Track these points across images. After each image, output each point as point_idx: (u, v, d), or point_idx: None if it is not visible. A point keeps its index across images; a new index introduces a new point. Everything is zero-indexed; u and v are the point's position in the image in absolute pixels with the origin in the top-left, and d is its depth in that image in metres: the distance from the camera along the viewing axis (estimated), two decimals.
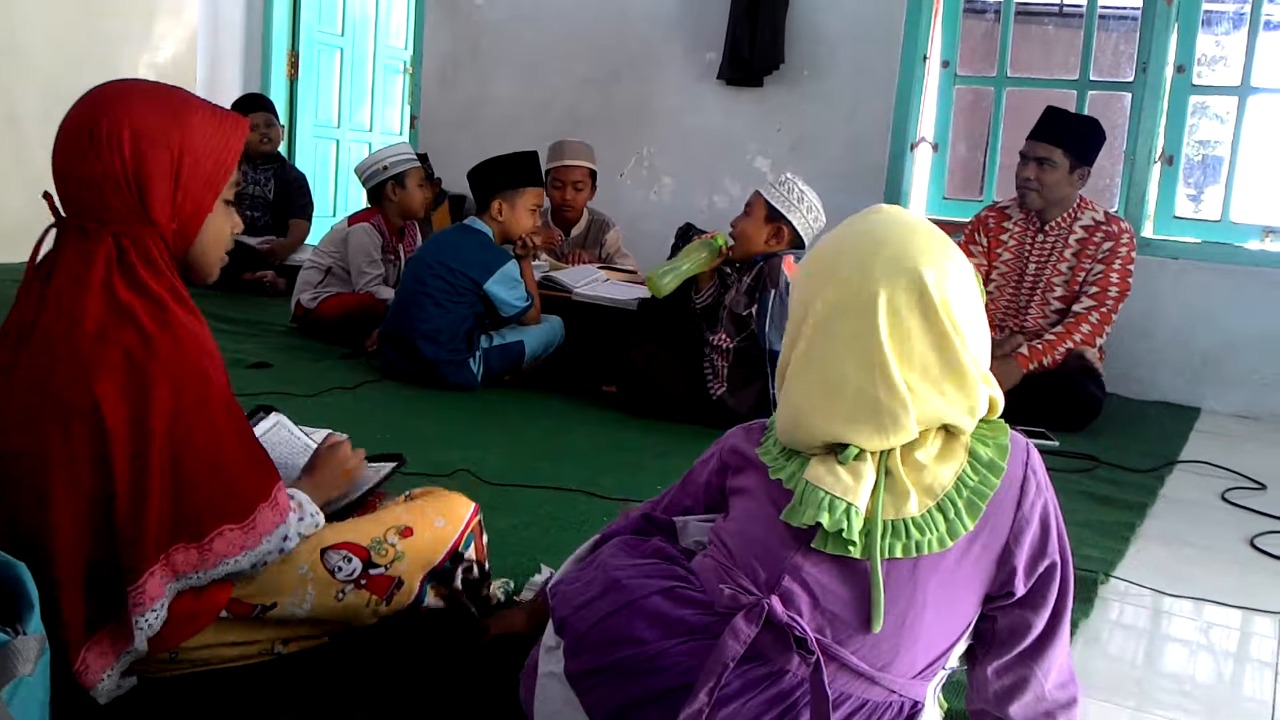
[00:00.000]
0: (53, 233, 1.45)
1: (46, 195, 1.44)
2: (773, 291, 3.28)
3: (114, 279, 1.38)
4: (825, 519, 1.18)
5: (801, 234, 3.35)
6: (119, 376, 1.34)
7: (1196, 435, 3.96)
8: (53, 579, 1.33)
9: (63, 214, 1.43)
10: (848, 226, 1.29)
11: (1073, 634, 2.00)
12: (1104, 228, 3.95)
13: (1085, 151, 3.91)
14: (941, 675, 1.28)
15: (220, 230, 1.52)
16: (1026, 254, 4.06)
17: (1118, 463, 3.35)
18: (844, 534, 1.18)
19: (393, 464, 1.96)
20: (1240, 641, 2.18)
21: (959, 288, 1.22)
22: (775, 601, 1.20)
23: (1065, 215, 3.99)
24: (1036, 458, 1.28)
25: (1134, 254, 3.96)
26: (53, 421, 1.33)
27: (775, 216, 3.34)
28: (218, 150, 1.46)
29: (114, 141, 1.39)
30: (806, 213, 3.34)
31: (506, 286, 3.74)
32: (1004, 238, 4.11)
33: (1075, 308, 3.95)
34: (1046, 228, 4.02)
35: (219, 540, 1.41)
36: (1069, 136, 3.89)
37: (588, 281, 4.16)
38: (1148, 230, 4.66)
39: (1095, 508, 2.86)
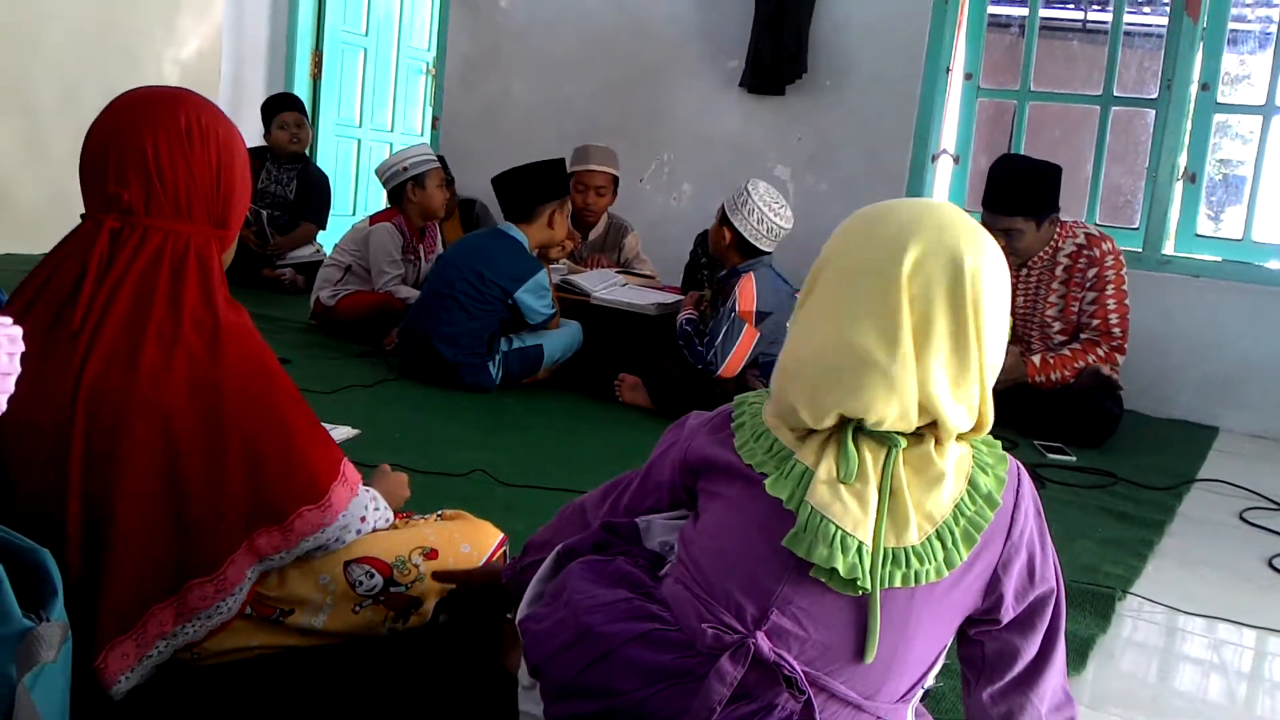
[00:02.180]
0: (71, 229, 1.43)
1: (117, 195, 1.39)
2: (722, 309, 3.49)
3: (181, 284, 1.39)
4: (840, 563, 1.13)
5: (746, 237, 3.48)
6: (187, 382, 1.36)
7: (1215, 454, 3.94)
8: (101, 575, 1.35)
9: (122, 213, 1.40)
10: (898, 200, 1.24)
11: (1089, 650, 2.00)
12: (1086, 252, 3.87)
13: (1046, 203, 3.82)
14: (919, 695, 1.27)
15: (234, 242, 1.56)
16: (1014, 289, 4.01)
17: (1135, 480, 3.34)
18: (859, 581, 1.14)
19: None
20: (1255, 661, 2.17)
21: (992, 288, 1.16)
22: (762, 639, 1.16)
23: (1046, 250, 3.92)
24: (1027, 484, 1.25)
25: (1124, 272, 3.89)
26: (121, 431, 1.34)
27: (725, 220, 3.53)
28: (248, 171, 1.51)
29: (208, 137, 1.41)
30: (749, 215, 3.46)
31: (536, 295, 3.73)
32: None
33: (1082, 336, 3.92)
34: (1029, 263, 3.95)
35: (299, 521, 1.46)
36: (1025, 200, 3.79)
37: (606, 286, 4.16)
38: (1168, 248, 4.64)
39: (1113, 524, 2.85)
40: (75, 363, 1.35)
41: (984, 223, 3.87)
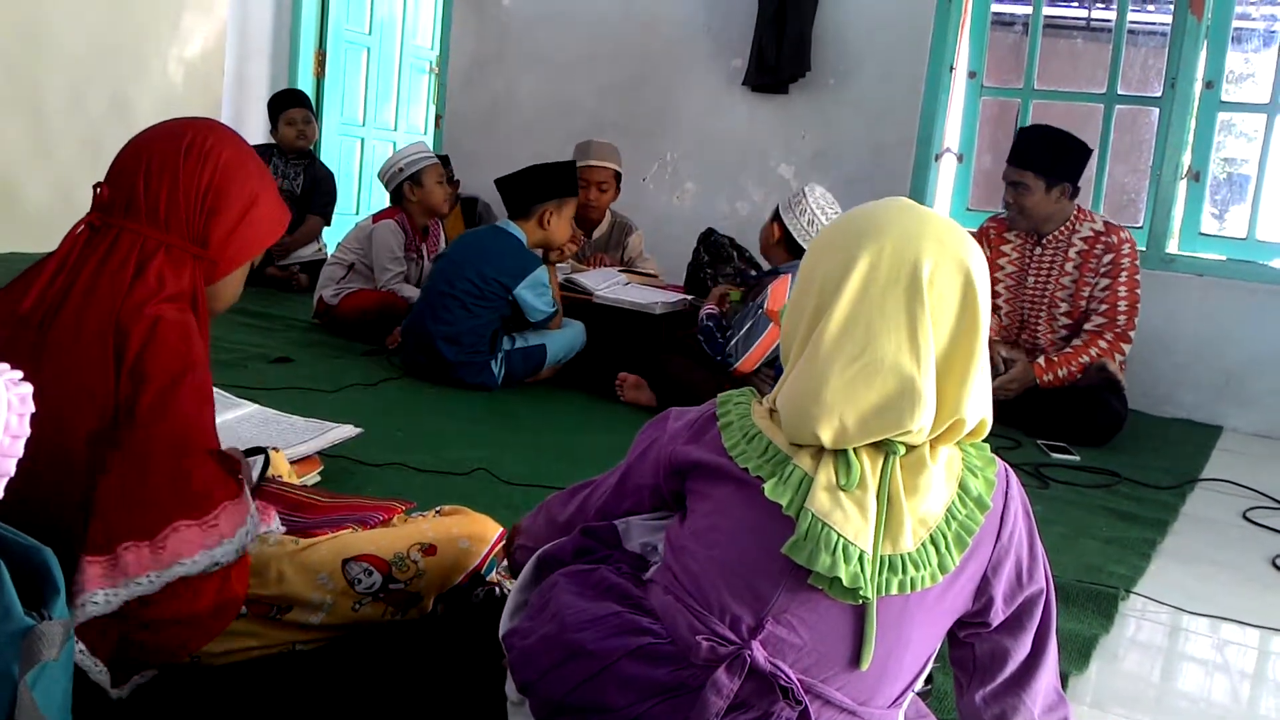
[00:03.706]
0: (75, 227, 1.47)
1: (99, 186, 1.46)
2: (750, 304, 3.48)
3: (140, 281, 1.42)
4: (844, 572, 1.12)
5: (795, 236, 3.48)
6: (124, 367, 1.38)
7: (1218, 454, 3.93)
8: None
9: (108, 213, 1.45)
10: (879, 203, 1.22)
11: (1093, 649, 2.00)
12: (1104, 239, 3.91)
13: (1060, 169, 3.85)
14: (910, 698, 1.27)
15: (239, 283, 1.63)
16: (1027, 266, 4.05)
17: (1139, 479, 3.33)
18: (860, 590, 1.13)
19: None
20: (1259, 661, 2.17)
21: (986, 291, 1.18)
22: (758, 649, 1.15)
23: (1063, 228, 3.97)
24: (1015, 485, 1.24)
25: (1138, 262, 3.93)
26: (70, 423, 1.36)
27: (776, 216, 3.54)
28: (275, 221, 1.58)
29: (206, 159, 1.47)
30: (799, 215, 3.47)
31: (535, 292, 3.73)
32: (1005, 249, 4.09)
33: (1087, 326, 3.93)
34: (1044, 241, 4.00)
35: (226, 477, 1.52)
36: (1038, 158, 3.85)
37: (609, 284, 4.16)
38: (1172, 246, 4.63)
39: (1116, 524, 2.84)
40: (35, 351, 1.38)
41: (1003, 176, 3.98)
